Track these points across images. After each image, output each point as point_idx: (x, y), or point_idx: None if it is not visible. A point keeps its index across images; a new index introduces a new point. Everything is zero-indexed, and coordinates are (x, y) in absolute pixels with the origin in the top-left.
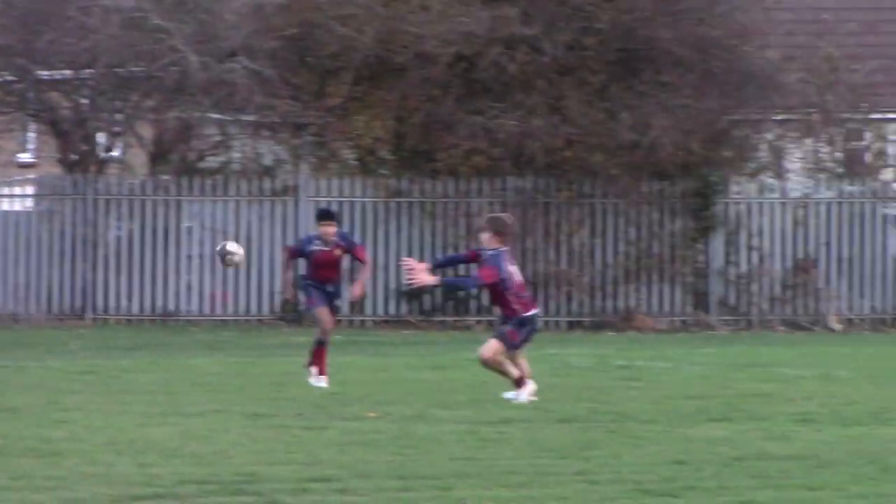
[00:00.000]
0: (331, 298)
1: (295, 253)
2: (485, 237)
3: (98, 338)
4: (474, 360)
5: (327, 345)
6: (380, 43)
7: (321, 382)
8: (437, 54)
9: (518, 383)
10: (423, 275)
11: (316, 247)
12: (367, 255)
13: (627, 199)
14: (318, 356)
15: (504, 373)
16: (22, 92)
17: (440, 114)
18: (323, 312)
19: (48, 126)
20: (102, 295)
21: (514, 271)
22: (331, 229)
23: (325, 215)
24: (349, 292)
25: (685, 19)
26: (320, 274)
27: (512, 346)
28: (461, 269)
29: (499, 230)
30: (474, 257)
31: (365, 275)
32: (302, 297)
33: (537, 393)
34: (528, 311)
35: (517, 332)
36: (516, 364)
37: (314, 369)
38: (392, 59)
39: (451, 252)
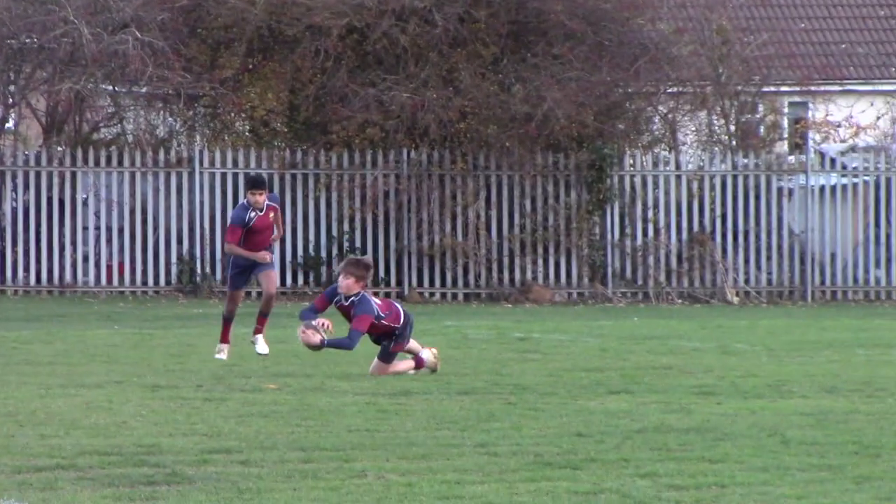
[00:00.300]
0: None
1: (238, 232)
2: (348, 283)
3: None
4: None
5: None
6: (271, 15)
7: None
8: (328, 26)
9: (418, 365)
10: (314, 337)
11: (252, 214)
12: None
13: (522, 172)
14: (261, 322)
15: (405, 371)
16: None
17: (333, 86)
18: (237, 296)
19: None
20: None
21: (376, 301)
22: (262, 197)
23: (257, 183)
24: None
25: None
26: (255, 241)
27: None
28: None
29: (362, 276)
30: (326, 306)
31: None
32: (228, 271)
33: (438, 355)
34: (400, 321)
35: (401, 343)
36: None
37: (258, 336)
38: (284, 31)
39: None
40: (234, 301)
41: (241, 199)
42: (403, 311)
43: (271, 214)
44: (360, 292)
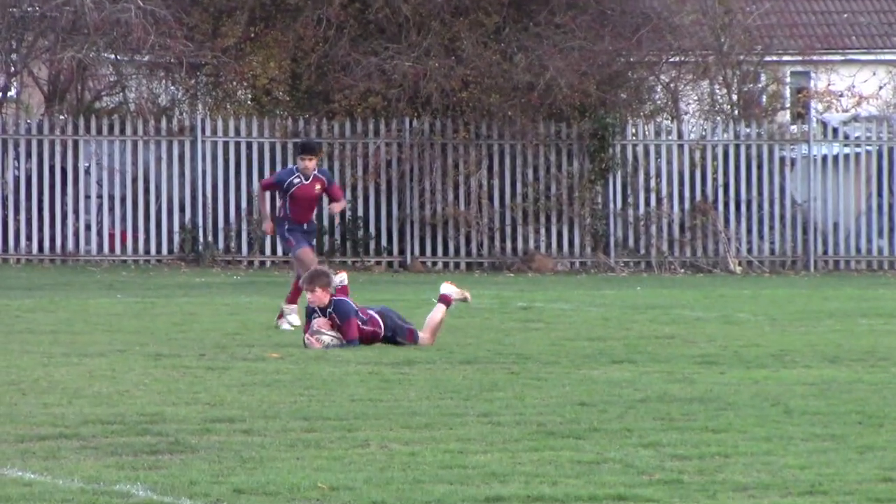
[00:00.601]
0: (308, 238)
1: (271, 185)
2: (318, 296)
3: None
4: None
5: None
6: None
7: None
8: None
9: (447, 302)
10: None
11: (297, 180)
12: (343, 195)
13: (524, 141)
14: (295, 293)
15: (443, 318)
16: None
17: (336, 54)
18: (306, 253)
19: None
20: (1, 235)
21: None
22: (310, 163)
23: (306, 148)
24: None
25: None
26: (298, 211)
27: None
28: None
29: (326, 283)
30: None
31: (342, 204)
32: (281, 239)
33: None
34: (380, 325)
35: (408, 333)
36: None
37: (291, 307)
38: (286, 0)
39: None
40: (307, 258)
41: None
42: (376, 312)
43: (317, 187)
44: (331, 300)
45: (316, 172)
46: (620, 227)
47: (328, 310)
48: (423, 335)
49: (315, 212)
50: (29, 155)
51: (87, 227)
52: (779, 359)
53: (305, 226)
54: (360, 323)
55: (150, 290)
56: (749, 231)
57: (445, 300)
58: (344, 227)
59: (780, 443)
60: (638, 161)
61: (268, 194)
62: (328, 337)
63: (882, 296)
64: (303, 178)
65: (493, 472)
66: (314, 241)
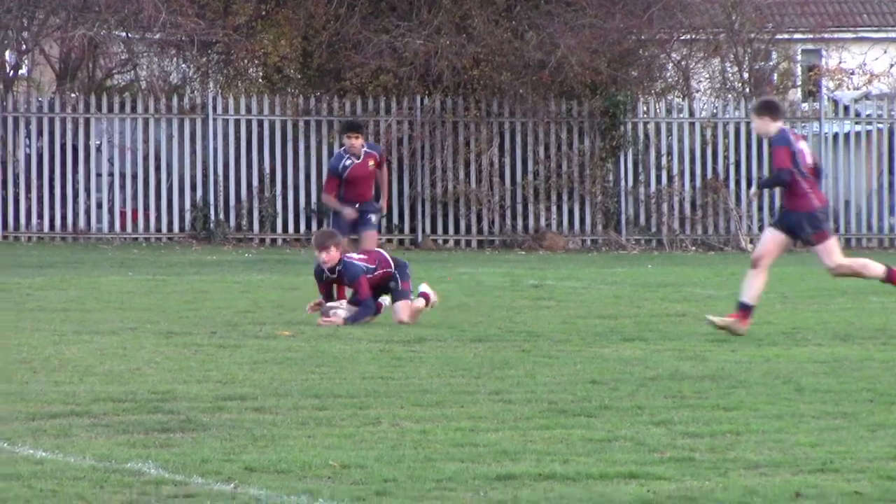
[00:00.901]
0: (361, 218)
1: (332, 182)
2: (331, 256)
3: (9, 256)
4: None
5: None
6: None
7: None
8: None
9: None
10: (337, 319)
11: (349, 161)
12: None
13: (535, 119)
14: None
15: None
16: None
17: (347, 32)
18: (368, 240)
19: None
20: (13, 213)
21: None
22: (357, 141)
23: (352, 126)
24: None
25: None
26: (353, 192)
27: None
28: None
29: (337, 242)
30: (325, 288)
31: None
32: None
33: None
34: (390, 264)
35: (406, 280)
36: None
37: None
38: None
39: None
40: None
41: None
42: (387, 254)
43: (370, 163)
44: (341, 259)
45: (366, 149)
46: (632, 205)
47: (337, 268)
48: (404, 310)
49: (373, 190)
50: (40, 133)
51: (99, 205)
52: (790, 336)
53: (357, 205)
54: (369, 277)
55: (161, 268)
56: (760, 208)
57: (425, 296)
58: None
59: (792, 420)
60: (649, 139)
61: (332, 194)
62: (343, 311)
63: None
64: (354, 158)
65: (504, 450)
66: (370, 218)
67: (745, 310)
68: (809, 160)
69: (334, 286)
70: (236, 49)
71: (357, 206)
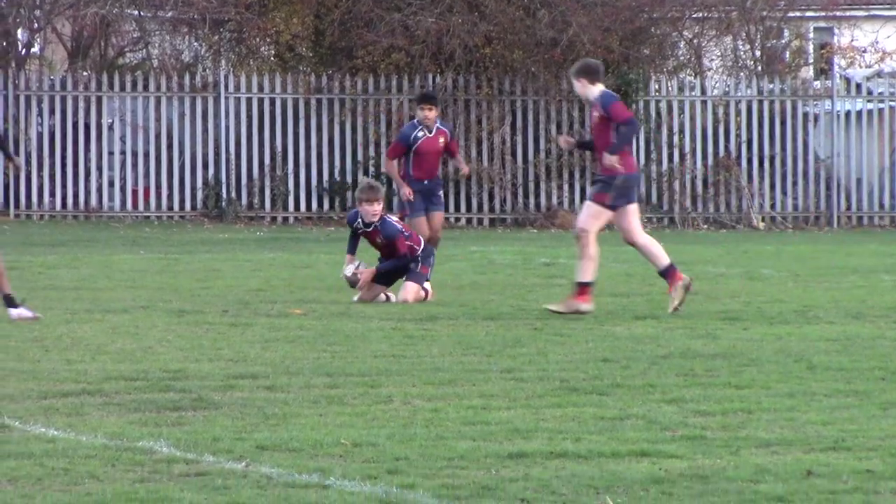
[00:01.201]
0: (429, 198)
1: (397, 149)
2: (375, 209)
3: (21, 234)
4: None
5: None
6: None
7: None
8: None
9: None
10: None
11: (420, 133)
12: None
13: (547, 97)
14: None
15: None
16: None
17: (359, 11)
18: (421, 224)
19: None
20: (25, 191)
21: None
22: (431, 113)
23: (426, 98)
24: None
25: None
26: (421, 167)
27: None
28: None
29: (382, 197)
30: (373, 234)
31: (465, 168)
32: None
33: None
34: (420, 243)
35: (426, 265)
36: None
37: None
38: None
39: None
40: (420, 229)
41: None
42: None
43: (441, 140)
44: (381, 217)
45: (438, 124)
46: (644, 183)
47: (375, 224)
48: (411, 291)
49: (439, 168)
50: (52, 111)
51: (111, 184)
52: (802, 315)
53: (427, 182)
54: (405, 239)
55: (173, 247)
56: (772, 187)
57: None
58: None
59: (803, 399)
60: (661, 117)
61: (395, 162)
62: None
63: None
64: (426, 131)
65: (516, 429)
66: (440, 197)
67: (584, 288)
68: None
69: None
70: (248, 27)
71: (425, 183)
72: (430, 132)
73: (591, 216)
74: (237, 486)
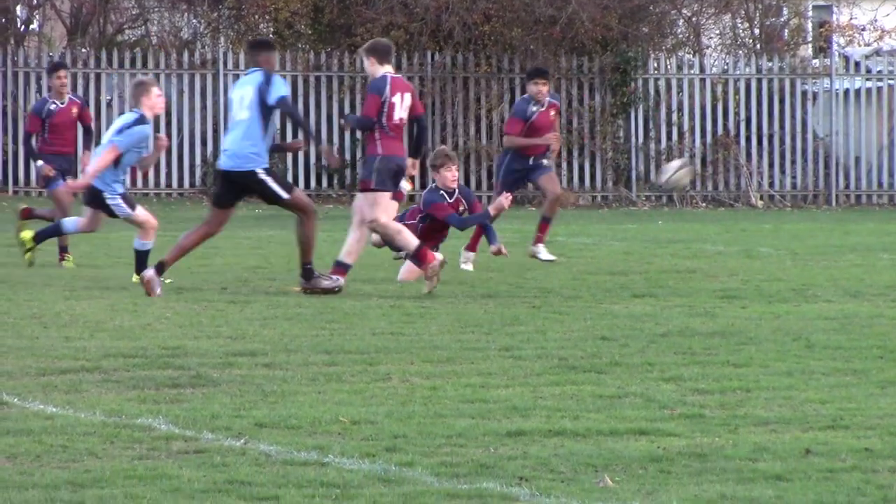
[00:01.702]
0: (537, 168)
1: (519, 125)
2: (456, 174)
3: None
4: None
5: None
6: None
7: (545, 255)
8: None
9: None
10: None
11: (535, 108)
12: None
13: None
14: (542, 230)
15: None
16: None
17: None
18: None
19: None
20: (24, 168)
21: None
22: (545, 88)
23: (538, 72)
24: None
25: None
26: (534, 142)
27: None
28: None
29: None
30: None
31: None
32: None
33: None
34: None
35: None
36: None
37: (540, 246)
38: None
39: None
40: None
41: None
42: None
43: (552, 112)
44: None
45: (549, 98)
46: (642, 161)
47: (454, 192)
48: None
49: (547, 147)
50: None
51: None
52: (800, 293)
53: (532, 160)
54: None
55: (171, 224)
56: (771, 165)
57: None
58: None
59: (802, 377)
60: (660, 95)
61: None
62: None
63: None
64: (539, 106)
65: (514, 407)
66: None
67: (341, 267)
68: (400, 115)
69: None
70: (247, 4)
71: (531, 160)
72: (543, 106)
73: (369, 206)
74: (235, 463)
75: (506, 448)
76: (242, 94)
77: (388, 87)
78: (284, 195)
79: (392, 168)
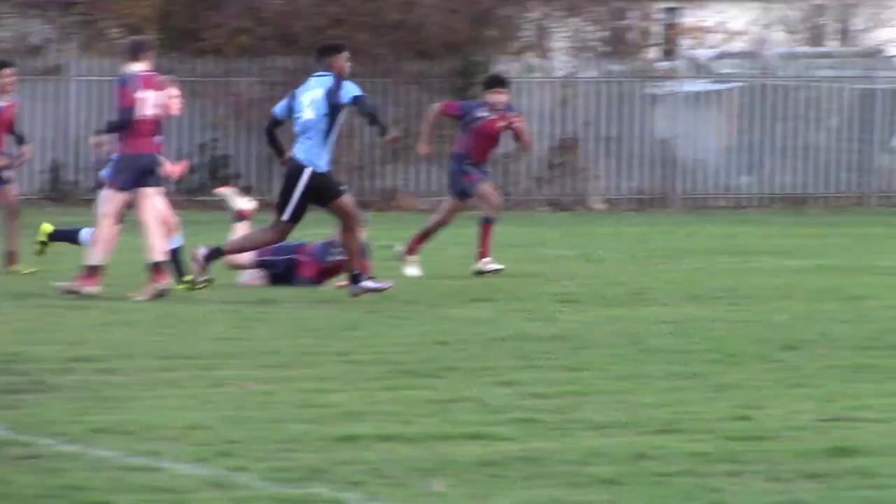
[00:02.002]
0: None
1: (452, 110)
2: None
3: None
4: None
5: (494, 223)
6: None
7: (491, 265)
8: None
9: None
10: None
11: (483, 113)
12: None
13: (395, 79)
14: (485, 235)
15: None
16: None
17: None
18: (488, 188)
19: None
20: None
21: None
22: (502, 98)
23: (496, 81)
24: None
25: None
26: (479, 149)
27: None
28: None
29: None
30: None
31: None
32: (459, 176)
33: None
34: None
35: None
36: None
37: (483, 259)
38: None
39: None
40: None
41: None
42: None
43: (502, 124)
44: None
45: (505, 110)
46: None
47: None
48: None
49: (494, 155)
50: None
51: None
52: (639, 297)
53: (483, 167)
54: None
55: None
56: (617, 169)
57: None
58: (213, 165)
59: (638, 381)
60: None
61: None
62: None
63: (744, 233)
64: (491, 113)
65: (348, 412)
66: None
67: (91, 271)
68: (152, 111)
69: None
70: (97, 9)
71: (483, 167)
72: (495, 115)
73: (104, 201)
74: (70, 468)
75: (338, 453)
76: (312, 96)
77: (133, 83)
78: (284, 216)
79: (132, 167)
